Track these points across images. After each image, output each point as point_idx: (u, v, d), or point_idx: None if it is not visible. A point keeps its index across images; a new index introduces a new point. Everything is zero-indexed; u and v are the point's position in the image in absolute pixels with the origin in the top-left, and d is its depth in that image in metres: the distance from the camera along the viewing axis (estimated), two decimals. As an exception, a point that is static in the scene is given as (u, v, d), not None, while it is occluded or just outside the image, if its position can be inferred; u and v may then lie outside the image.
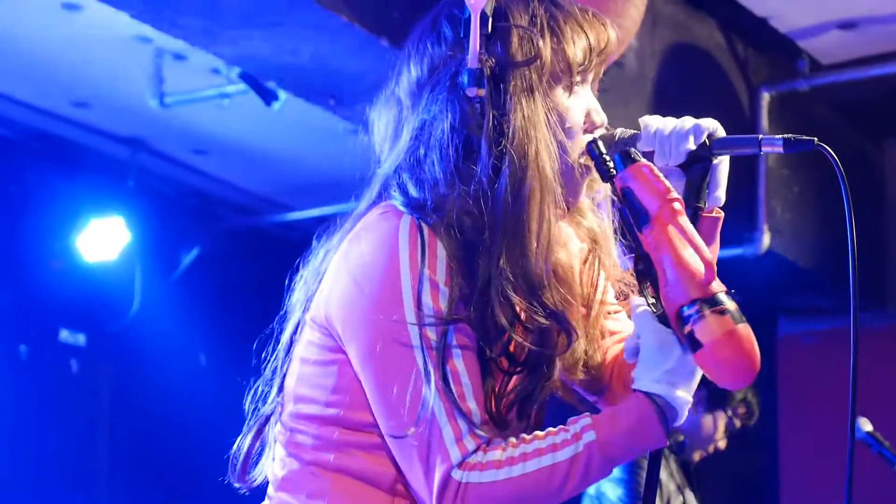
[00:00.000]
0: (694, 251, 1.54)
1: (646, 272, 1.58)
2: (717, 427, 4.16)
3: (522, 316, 1.60)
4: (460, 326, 1.56)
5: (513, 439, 1.57)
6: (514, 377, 1.63)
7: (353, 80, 3.85)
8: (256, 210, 6.47)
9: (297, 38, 3.64)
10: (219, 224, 6.39)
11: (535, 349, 1.61)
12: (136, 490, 5.97)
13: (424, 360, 1.55)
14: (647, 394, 1.56)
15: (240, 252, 6.37)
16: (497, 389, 1.60)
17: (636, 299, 1.60)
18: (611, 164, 1.61)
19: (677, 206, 1.56)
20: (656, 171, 1.58)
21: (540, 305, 1.60)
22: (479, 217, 1.60)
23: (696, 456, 4.21)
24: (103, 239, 5.63)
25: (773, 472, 5.98)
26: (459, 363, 1.56)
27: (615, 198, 1.61)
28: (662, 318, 1.57)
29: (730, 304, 1.53)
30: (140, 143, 5.75)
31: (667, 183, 1.57)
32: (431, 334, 1.55)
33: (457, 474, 1.53)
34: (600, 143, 1.63)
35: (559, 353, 1.65)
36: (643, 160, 1.59)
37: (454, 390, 1.54)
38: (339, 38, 3.59)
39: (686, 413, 1.58)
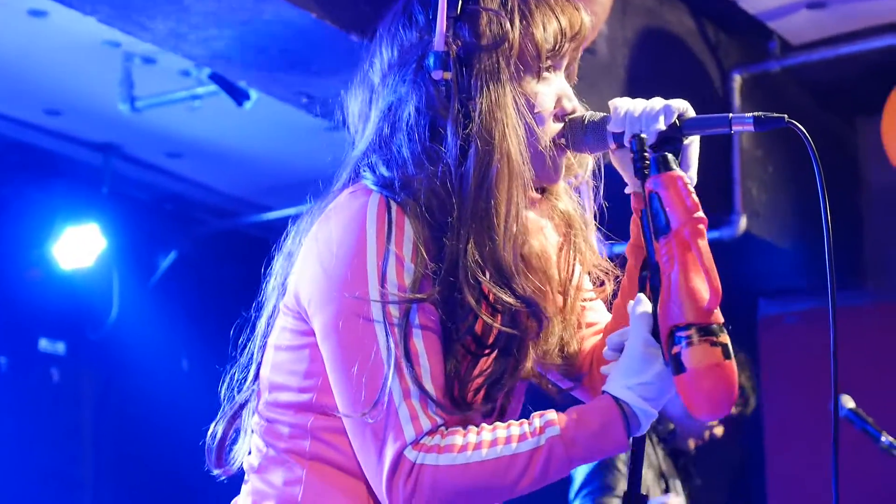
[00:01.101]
0: (705, 276, 1.52)
1: (650, 280, 1.56)
2: None
3: (490, 297, 1.58)
4: (424, 307, 1.55)
5: (473, 427, 1.55)
6: (482, 360, 1.61)
7: (325, 77, 3.83)
8: (233, 211, 6.44)
9: (266, 37, 3.61)
10: (195, 227, 6.35)
11: (504, 331, 1.59)
12: (121, 498, 5.93)
13: (386, 337, 1.53)
14: (616, 399, 1.55)
15: (218, 254, 6.34)
16: (462, 372, 1.58)
17: (639, 299, 1.58)
18: (647, 164, 1.58)
19: (701, 227, 1.54)
20: (690, 184, 1.56)
21: (509, 290, 1.58)
22: (446, 198, 1.59)
23: (691, 443, 4.05)
24: (79, 246, 5.59)
25: (758, 451, 6.00)
26: (420, 343, 1.54)
27: (644, 201, 1.58)
28: (654, 330, 1.55)
29: (723, 338, 1.52)
30: (113, 149, 5.72)
31: (696, 199, 1.56)
32: (394, 311, 1.54)
33: (410, 454, 1.51)
34: (644, 139, 1.59)
35: (530, 338, 1.63)
36: (679, 170, 1.57)
37: (413, 370, 1.53)
38: (309, 34, 3.56)
39: (648, 426, 1.57)
